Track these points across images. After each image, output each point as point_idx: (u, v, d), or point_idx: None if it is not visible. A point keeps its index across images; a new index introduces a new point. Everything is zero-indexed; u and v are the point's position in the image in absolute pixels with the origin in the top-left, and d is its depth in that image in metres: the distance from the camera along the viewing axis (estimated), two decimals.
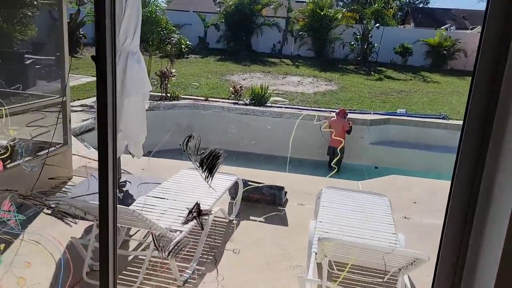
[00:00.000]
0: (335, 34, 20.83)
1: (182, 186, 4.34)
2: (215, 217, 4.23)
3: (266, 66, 17.92)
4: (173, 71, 11.25)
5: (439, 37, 20.75)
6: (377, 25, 20.58)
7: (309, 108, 11.34)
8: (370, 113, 11.20)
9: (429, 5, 46.35)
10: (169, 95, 10.81)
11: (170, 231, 3.36)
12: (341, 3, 28.64)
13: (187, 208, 3.79)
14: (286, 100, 12.00)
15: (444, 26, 24.47)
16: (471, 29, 25.79)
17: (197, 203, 1.28)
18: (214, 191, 4.20)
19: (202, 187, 4.35)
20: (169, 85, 11.08)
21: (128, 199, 4.34)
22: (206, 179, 1.31)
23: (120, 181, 4.77)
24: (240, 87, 11.47)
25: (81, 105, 9.30)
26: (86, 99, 9.93)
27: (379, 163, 9.60)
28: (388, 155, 9.96)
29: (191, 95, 11.64)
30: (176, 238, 3.23)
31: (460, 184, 1.05)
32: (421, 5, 45.64)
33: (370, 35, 20.26)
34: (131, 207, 3.73)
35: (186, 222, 1.27)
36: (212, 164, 1.31)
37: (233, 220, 4.47)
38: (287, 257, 3.79)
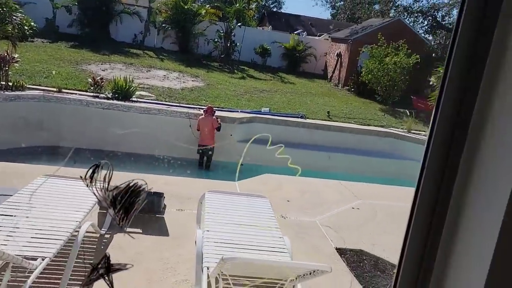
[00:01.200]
0: (199, 29, 20.73)
1: (41, 199, 3.64)
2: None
3: (128, 57, 16.77)
4: (15, 56, 9.57)
5: (293, 41, 22.45)
6: (240, 24, 21.20)
7: (178, 104, 10.98)
8: (238, 111, 11.42)
9: (282, 10, 50.06)
10: (10, 84, 9.15)
11: (28, 259, 2.75)
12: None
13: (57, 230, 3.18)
14: (153, 95, 11.39)
15: (296, 31, 26.61)
16: (319, 36, 28.65)
17: (105, 255, 0.93)
18: (81, 203, 3.65)
19: (67, 198, 3.73)
20: (10, 73, 9.39)
21: None
22: (121, 224, 0.99)
23: None
24: (101, 78, 10.40)
25: None
26: None
27: (248, 161, 9.83)
28: (255, 152, 10.29)
29: (39, 85, 10.10)
30: (36, 268, 2.65)
31: (425, 193, 0.98)
32: (275, 9, 48.93)
33: (233, 34, 20.73)
34: None
35: (89, 283, 0.91)
36: (130, 202, 1.00)
37: (104, 234, 3.95)
38: (172, 271, 3.50)
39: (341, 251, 4.28)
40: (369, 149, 11.11)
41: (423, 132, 12.22)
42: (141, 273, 3.41)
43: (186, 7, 20.12)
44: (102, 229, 3.99)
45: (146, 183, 1.02)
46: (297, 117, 12.06)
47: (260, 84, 16.94)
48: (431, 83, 21.11)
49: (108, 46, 17.85)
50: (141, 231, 4.08)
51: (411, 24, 23.60)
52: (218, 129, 9.54)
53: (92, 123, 9.23)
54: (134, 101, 10.14)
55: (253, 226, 3.70)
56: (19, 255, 2.79)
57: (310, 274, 2.45)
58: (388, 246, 4.53)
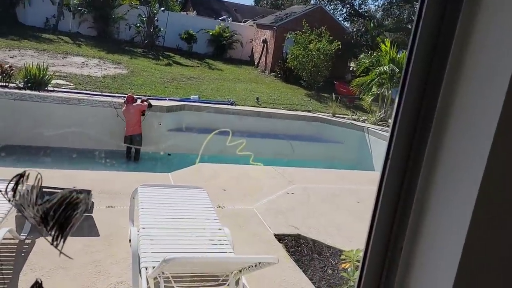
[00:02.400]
0: (119, 13, 19.60)
1: None
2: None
3: (41, 43, 15.34)
4: None
5: (218, 27, 22.17)
6: (163, 8, 20.40)
7: (100, 93, 10.31)
8: (166, 99, 11.03)
9: None
10: None
11: None
12: None
13: None
14: (71, 84, 10.56)
15: (222, 17, 26.31)
16: (244, 22, 28.63)
17: (37, 282, 0.77)
18: None
19: None
20: None
21: None
22: (55, 242, 0.83)
23: None
24: (10, 66, 9.37)
25: None
26: None
27: (179, 150, 9.58)
28: (186, 141, 10.06)
29: None
30: None
31: (389, 186, 0.95)
32: None
33: (156, 19, 19.90)
34: None
35: None
36: (65, 217, 0.84)
37: (24, 239, 3.58)
38: (105, 274, 3.27)
39: (279, 237, 4.33)
40: (298, 133, 11.40)
41: (346, 116, 12.83)
42: (71, 280, 3.14)
43: None
44: (22, 234, 3.61)
45: (90, 193, 0.88)
46: (227, 104, 11.99)
47: (187, 71, 16.54)
48: (351, 68, 22.24)
49: (16, 30, 16.19)
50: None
51: (331, 11, 24.46)
52: (150, 105, 9.16)
53: (2, 116, 8.33)
54: (51, 91, 9.31)
55: (192, 219, 3.58)
56: None
57: (255, 266, 2.41)
58: (323, 228, 4.68)
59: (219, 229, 3.47)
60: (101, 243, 3.74)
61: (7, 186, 0.88)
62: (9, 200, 0.88)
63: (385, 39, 20.77)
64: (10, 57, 12.26)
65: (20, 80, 9.10)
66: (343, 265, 2.38)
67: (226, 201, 5.03)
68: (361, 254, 2.51)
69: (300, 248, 4.23)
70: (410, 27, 26.94)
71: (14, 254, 3.37)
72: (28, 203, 0.89)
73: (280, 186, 5.78)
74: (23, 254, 3.39)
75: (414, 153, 0.91)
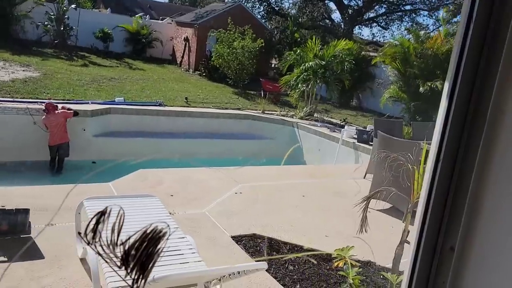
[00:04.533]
0: (23, 11, 17.85)
1: None
2: None
3: None
4: None
5: (136, 24, 21.29)
6: (74, 6, 19.01)
7: (11, 99, 9.31)
8: (88, 103, 10.32)
9: None
10: None
11: None
12: None
13: None
14: None
15: (138, 15, 25.30)
16: (162, 19, 27.84)
17: None
18: None
19: None
20: None
21: None
22: (136, 285, 0.72)
23: None
24: None
25: None
26: None
27: (108, 157, 9.02)
28: (115, 146, 9.52)
29: None
30: None
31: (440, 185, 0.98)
32: None
33: (66, 16, 18.48)
34: None
35: None
36: (147, 255, 0.74)
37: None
38: None
39: (236, 239, 4.30)
40: (231, 132, 11.41)
41: (276, 112, 13.12)
42: None
43: None
44: None
45: (169, 226, 0.77)
46: (155, 105, 11.57)
47: (107, 71, 15.64)
48: (273, 65, 22.77)
49: None
50: (6, 260, 3.35)
51: (250, 9, 24.75)
52: (76, 114, 8.57)
53: None
54: None
55: None
56: None
57: (235, 274, 2.36)
58: (276, 225, 4.74)
59: (182, 237, 3.34)
60: (48, 265, 3.39)
61: (87, 227, 0.76)
62: (88, 243, 0.76)
63: (304, 36, 21.71)
64: None
65: None
66: (335, 264, 2.42)
67: (176, 206, 4.86)
68: (359, 253, 2.58)
69: (258, 248, 4.25)
70: (323, 24, 28.33)
71: None
72: (109, 244, 0.77)
73: (227, 187, 5.74)
74: None
75: (465, 153, 0.95)
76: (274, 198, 5.62)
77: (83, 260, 3.51)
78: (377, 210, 5.29)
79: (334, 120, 13.25)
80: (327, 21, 29.41)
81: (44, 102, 8.81)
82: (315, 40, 13.12)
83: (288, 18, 23.91)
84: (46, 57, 15.78)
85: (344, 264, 2.36)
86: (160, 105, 11.68)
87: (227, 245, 4.15)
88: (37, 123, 8.41)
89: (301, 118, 12.50)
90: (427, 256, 1.03)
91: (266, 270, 3.83)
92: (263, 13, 29.00)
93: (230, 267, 2.52)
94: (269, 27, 25.52)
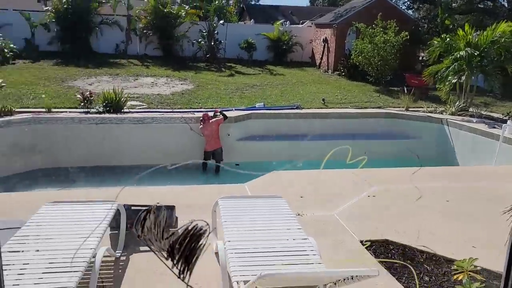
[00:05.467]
0: (181, 31, 20.42)
1: (51, 228, 3.42)
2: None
3: (113, 68, 16.45)
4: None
5: (277, 31, 22.21)
6: (222, 21, 20.89)
7: (170, 110, 10.74)
8: (232, 109, 11.20)
9: (260, 2, 49.75)
10: None
11: None
12: (179, 0, 28.23)
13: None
14: (144, 104, 11.14)
15: (279, 22, 26.36)
16: (301, 23, 28.42)
17: None
18: (92, 228, 3.43)
19: (77, 224, 3.53)
20: None
21: None
22: (182, 276, 0.80)
23: None
24: (90, 93, 10.13)
25: None
26: None
27: (249, 159, 9.65)
28: (255, 149, 10.11)
29: (28, 108, 9.82)
30: None
31: None
32: (253, 2, 48.57)
33: (216, 32, 20.44)
34: None
35: None
36: (190, 249, 0.81)
37: (120, 256, 3.75)
38: None
39: (366, 244, 4.12)
40: (371, 132, 10.96)
41: (421, 109, 12.10)
42: None
43: (165, 10, 19.79)
44: (117, 251, 3.80)
45: (208, 224, 0.84)
46: (293, 108, 11.89)
47: (250, 79, 16.72)
48: (421, 58, 21.03)
49: (91, 59, 17.54)
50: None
51: (393, 1, 23.38)
52: (225, 117, 9.61)
53: (87, 140, 8.99)
54: (127, 112, 9.89)
55: (275, 230, 3.52)
56: None
57: (351, 278, 2.28)
58: (412, 232, 4.38)
59: (304, 239, 3.37)
60: None
61: (135, 221, 0.87)
62: (138, 236, 0.87)
63: (457, 21, 19.46)
64: (89, 84, 13.25)
65: (99, 105, 9.77)
66: (455, 277, 2.15)
67: (305, 208, 4.91)
68: (476, 263, 2.25)
69: (390, 255, 3.99)
70: (481, 6, 24.91)
71: (112, 271, 3.54)
72: (156, 237, 0.87)
73: (360, 189, 5.54)
74: (120, 271, 3.55)
75: None
76: (411, 203, 5.20)
77: (217, 254, 3.82)
78: None
79: (494, 115, 11.54)
80: (488, 1, 25.76)
81: (195, 111, 9.96)
82: (469, 27, 11.63)
83: (435, 5, 21.77)
84: (199, 71, 17.72)
85: (467, 277, 2.05)
86: (297, 108, 11.95)
87: (355, 250, 4.02)
88: (193, 129, 9.56)
89: (453, 113, 11.24)
90: None
91: (398, 280, 3.58)
92: (408, 3, 27.10)
93: (335, 270, 2.44)
94: (416, 17, 23.69)
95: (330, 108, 12.27)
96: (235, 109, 11.31)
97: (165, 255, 0.83)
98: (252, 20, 28.46)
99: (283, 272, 2.33)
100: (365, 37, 16.22)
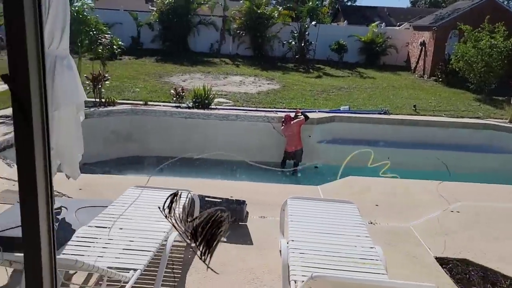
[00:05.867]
0: (273, 32, 20.77)
1: (133, 209, 3.76)
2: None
3: (206, 66, 17.35)
4: (106, 74, 10.34)
5: (371, 33, 21.47)
6: (314, 22, 20.81)
7: (255, 108, 11.01)
8: (315, 111, 11.12)
9: (357, 3, 48.45)
10: (103, 100, 9.91)
11: (120, 270, 2.82)
12: (274, 2, 28.72)
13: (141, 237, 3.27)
14: (230, 101, 11.58)
15: (374, 23, 25.45)
16: (399, 25, 27.12)
17: None
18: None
19: (154, 210, 3.83)
20: (103, 90, 10.16)
21: (64, 231, 3.68)
22: (203, 257, 0.87)
23: (54, 207, 4.06)
24: (182, 89, 10.82)
25: (0, 116, 8.16)
26: (6, 109, 8.73)
27: (329, 161, 9.50)
28: (336, 153, 9.91)
29: (128, 100, 10.81)
30: (129, 280, 2.71)
31: None
32: (349, 3, 47.49)
33: (307, 33, 20.42)
34: (69, 243, 3.13)
35: None
36: (211, 234, 0.87)
37: (190, 243, 3.97)
38: (258, 283, 3.40)
39: (441, 261, 3.85)
40: (463, 143, 10.11)
41: None
42: (228, 284, 3.35)
43: (259, 11, 20.31)
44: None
45: (229, 213, 0.89)
46: (380, 113, 11.42)
47: (338, 81, 16.42)
48: None
49: (187, 57, 18.67)
50: (225, 240, 4.04)
51: (504, 2, 21.21)
52: (307, 118, 9.52)
53: (176, 132, 9.62)
54: (213, 109, 10.37)
55: (341, 235, 3.46)
56: (112, 267, 2.88)
57: None
58: (497, 255, 3.98)
59: (371, 247, 3.26)
60: (254, 251, 3.91)
61: (164, 204, 0.96)
62: (165, 216, 0.95)
63: None
64: (182, 80, 14.14)
65: (189, 100, 10.39)
66: None
67: (379, 217, 4.73)
68: None
69: (468, 276, 3.67)
70: None
71: (182, 256, 3.78)
72: (181, 219, 0.95)
73: (442, 203, 5.16)
74: (189, 256, 3.77)
75: None
76: (501, 223, 4.71)
77: (281, 252, 3.87)
78: None
79: None
80: None
81: (279, 111, 10.09)
82: None
83: None
84: (287, 71, 17.87)
85: None
86: (384, 113, 11.46)
87: (428, 266, 3.77)
88: (276, 129, 9.71)
89: None
90: None
91: None
92: None
93: (393, 281, 2.31)
94: None
95: (421, 115, 11.55)
96: (319, 111, 11.21)
97: (189, 237, 0.89)
98: (345, 21, 27.87)
99: (334, 276, 2.29)
100: (468, 40, 14.94)
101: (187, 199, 0.93)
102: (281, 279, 3.25)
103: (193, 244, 0.89)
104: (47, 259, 0.89)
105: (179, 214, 0.90)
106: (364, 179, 6.02)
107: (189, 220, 0.89)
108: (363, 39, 21.44)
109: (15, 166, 5.84)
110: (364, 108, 12.10)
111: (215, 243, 0.87)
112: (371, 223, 4.57)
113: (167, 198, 0.91)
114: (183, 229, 0.90)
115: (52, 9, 3.38)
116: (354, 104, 12.41)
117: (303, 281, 2.68)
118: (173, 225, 0.90)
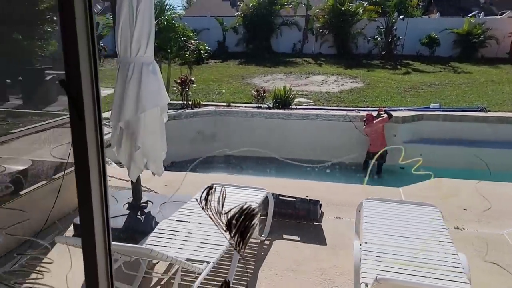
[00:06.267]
0: (357, 29, 20.19)
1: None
2: None
3: (288, 66, 17.46)
4: (193, 78, 10.96)
5: (467, 25, 19.77)
6: (402, 16, 19.77)
7: (336, 108, 10.81)
8: (402, 109, 10.58)
9: None
10: (190, 102, 10.52)
11: (195, 263, 2.98)
12: None
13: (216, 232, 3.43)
14: (311, 101, 11.52)
15: (472, 14, 23.35)
16: (501, 14, 24.56)
17: (225, 282, 0.86)
18: None
19: (233, 205, 3.98)
20: (190, 93, 10.79)
21: (149, 223, 4.00)
22: (237, 248, 0.91)
23: (141, 201, 4.44)
24: (263, 90, 11.05)
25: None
26: (107, 112, 9.70)
27: (415, 163, 8.96)
28: (424, 153, 9.31)
29: (212, 101, 11.33)
30: (202, 272, 2.85)
31: None
32: None
33: (394, 28, 19.48)
34: (152, 234, 3.39)
35: None
36: (244, 226, 0.91)
37: (264, 240, 4.06)
38: (330, 284, 3.35)
39: None
40: None
41: None
42: (299, 283, 3.36)
43: (343, 8, 19.89)
44: (262, 235, 4.12)
45: (260, 207, 0.92)
46: (476, 111, 10.48)
47: (428, 77, 15.41)
48: None
49: (270, 58, 18.97)
50: (298, 239, 4.05)
51: None
52: (390, 116, 9.16)
53: (256, 132, 9.84)
54: (293, 108, 10.41)
55: (419, 239, 3.26)
56: (189, 259, 3.06)
57: None
58: None
59: (453, 254, 3.02)
60: (327, 252, 3.86)
61: (201, 196, 1.02)
62: (202, 208, 1.01)
63: None
64: (264, 82, 14.41)
65: (270, 101, 10.56)
66: None
67: (467, 222, 4.36)
68: None
69: None
70: None
71: (255, 252, 3.87)
72: (216, 211, 1.00)
73: None
74: (262, 253, 3.85)
75: None
76: None
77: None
78: None
79: None
80: None
81: (361, 110, 9.79)
82: None
83: None
84: (372, 68, 17.22)
85: None
86: (481, 110, 10.50)
87: None
88: (358, 128, 9.46)
89: None
90: None
91: None
92: None
93: None
94: None
95: None
96: (405, 109, 10.65)
97: (224, 228, 0.94)
98: (438, 13, 26.01)
99: (399, 279, 2.17)
100: None
101: (222, 193, 0.95)
102: (353, 282, 3.17)
103: (227, 236, 0.93)
104: (101, 242, 1.00)
105: (214, 207, 0.95)
106: (452, 181, 5.59)
107: (224, 212, 0.94)
108: (457, 32, 19.82)
109: (112, 164, 6.45)
110: (457, 105, 11.20)
111: (248, 235, 0.91)
112: (458, 228, 4.23)
113: (203, 191, 0.96)
114: (218, 221, 0.95)
115: (139, 19, 3.70)
116: (446, 101, 11.56)
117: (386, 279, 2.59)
118: (210, 216, 0.95)
